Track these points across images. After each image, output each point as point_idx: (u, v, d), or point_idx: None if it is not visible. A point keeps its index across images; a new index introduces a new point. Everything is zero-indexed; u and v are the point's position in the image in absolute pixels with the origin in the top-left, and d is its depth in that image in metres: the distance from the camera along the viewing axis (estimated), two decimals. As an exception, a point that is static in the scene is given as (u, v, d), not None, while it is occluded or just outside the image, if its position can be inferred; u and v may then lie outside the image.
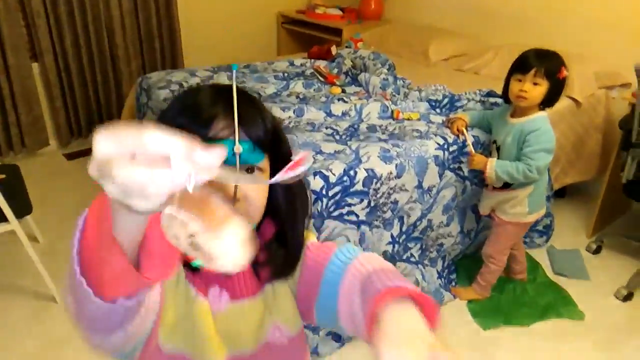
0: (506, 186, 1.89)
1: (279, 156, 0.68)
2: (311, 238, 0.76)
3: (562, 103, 2.43)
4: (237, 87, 0.61)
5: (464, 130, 2.02)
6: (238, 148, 0.59)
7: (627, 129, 2.18)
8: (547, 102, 1.79)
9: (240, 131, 0.60)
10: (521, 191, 1.89)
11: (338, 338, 1.90)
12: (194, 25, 3.53)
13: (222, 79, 2.55)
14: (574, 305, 2.14)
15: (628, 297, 2.18)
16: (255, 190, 0.65)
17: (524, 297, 2.17)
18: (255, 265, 0.70)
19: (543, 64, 1.72)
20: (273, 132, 0.67)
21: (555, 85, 1.75)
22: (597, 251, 2.47)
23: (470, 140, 2.00)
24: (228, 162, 0.56)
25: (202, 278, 0.69)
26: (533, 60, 1.73)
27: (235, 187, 0.60)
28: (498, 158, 1.90)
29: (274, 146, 0.67)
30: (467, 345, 1.94)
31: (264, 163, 0.66)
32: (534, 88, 1.74)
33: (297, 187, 0.72)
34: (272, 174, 0.58)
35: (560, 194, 2.81)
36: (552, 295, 2.19)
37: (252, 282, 0.72)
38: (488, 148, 2.05)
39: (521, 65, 1.76)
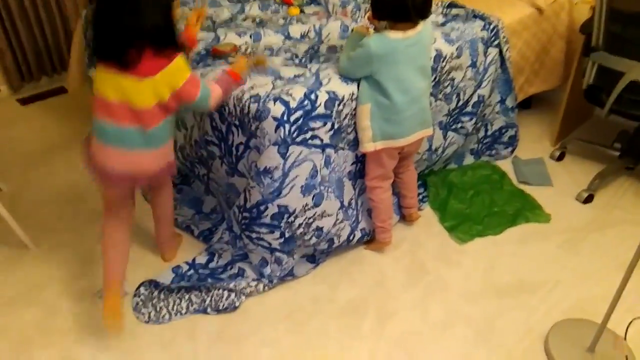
0: None
1: None
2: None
3: (525, 11, 2.38)
4: None
5: None
6: None
7: (588, 34, 2.16)
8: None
9: None
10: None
11: (312, 259, 1.95)
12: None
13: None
14: (540, 209, 2.22)
15: (589, 199, 2.27)
16: None
17: (493, 208, 2.23)
18: None
19: None
20: None
21: None
22: (560, 158, 2.54)
23: None
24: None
25: None
26: None
27: None
28: None
29: None
30: (435, 255, 2.02)
31: None
32: None
33: None
34: None
35: (525, 105, 2.83)
36: (520, 202, 2.25)
37: None
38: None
39: None
